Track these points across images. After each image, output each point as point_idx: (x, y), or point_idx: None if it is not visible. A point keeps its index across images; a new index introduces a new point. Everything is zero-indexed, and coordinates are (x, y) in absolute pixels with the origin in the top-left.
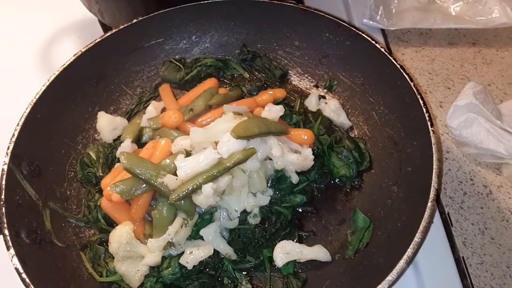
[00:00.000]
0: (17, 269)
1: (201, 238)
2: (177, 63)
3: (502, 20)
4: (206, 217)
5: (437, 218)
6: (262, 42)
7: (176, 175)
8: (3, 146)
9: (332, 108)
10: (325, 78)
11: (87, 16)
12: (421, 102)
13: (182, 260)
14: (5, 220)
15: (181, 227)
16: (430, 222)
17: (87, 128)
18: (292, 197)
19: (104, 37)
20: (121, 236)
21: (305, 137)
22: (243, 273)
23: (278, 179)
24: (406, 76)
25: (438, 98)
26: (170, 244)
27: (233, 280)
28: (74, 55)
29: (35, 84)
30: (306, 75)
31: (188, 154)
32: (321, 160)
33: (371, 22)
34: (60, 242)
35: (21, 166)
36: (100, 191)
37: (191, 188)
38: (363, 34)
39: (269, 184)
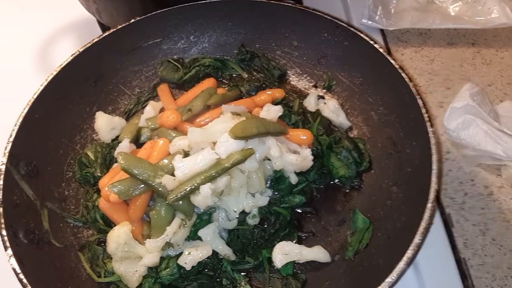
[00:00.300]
0: (14, 270)
1: (200, 238)
2: (175, 63)
3: (501, 20)
4: (205, 217)
5: (437, 219)
6: (260, 42)
7: (174, 176)
8: (0, 146)
9: (331, 108)
10: (324, 78)
11: (85, 16)
12: (420, 102)
13: (181, 261)
14: (2, 220)
15: (180, 227)
16: (430, 223)
17: (85, 128)
18: (291, 197)
19: (101, 37)
20: (119, 237)
21: (304, 138)
22: (242, 274)
23: (277, 180)
24: (405, 76)
25: (438, 98)
26: (168, 245)
27: (232, 281)
28: (72, 55)
29: (33, 84)
30: (304, 75)
31: (186, 154)
32: (320, 160)
33: (370, 22)
34: (58, 242)
35: (19, 166)
36: (98, 192)
37: (189, 188)
38: (361, 34)
39: (268, 185)
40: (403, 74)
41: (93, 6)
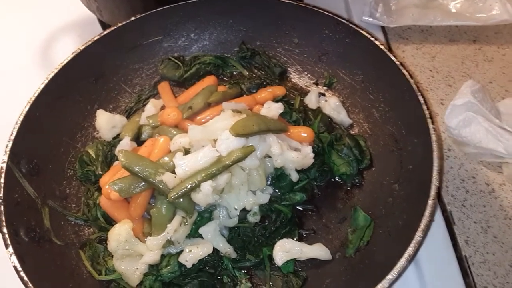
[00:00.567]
0: (15, 267)
1: (201, 236)
2: (176, 61)
3: (502, 17)
4: (206, 215)
5: (439, 216)
6: (261, 40)
7: (175, 173)
8: (1, 144)
9: (332, 106)
10: (325, 76)
11: (86, 14)
12: (421, 99)
13: (181, 259)
14: (3, 218)
15: (180, 225)
16: (431, 220)
17: (86, 126)
18: (292, 195)
19: (102, 35)
20: (120, 235)
21: (305, 135)
22: (243, 271)
23: (278, 177)
24: (406, 73)
25: (439, 95)
26: (169, 242)
27: (233, 278)
28: (73, 53)
29: (34, 82)
30: (305, 73)
31: (186, 152)
32: (321, 158)
33: (370, 20)
34: (59, 240)
35: (20, 165)
36: (99, 190)
37: (189, 186)
38: (362, 31)
39: (268, 182)
40: (404, 71)
41: (93, 4)
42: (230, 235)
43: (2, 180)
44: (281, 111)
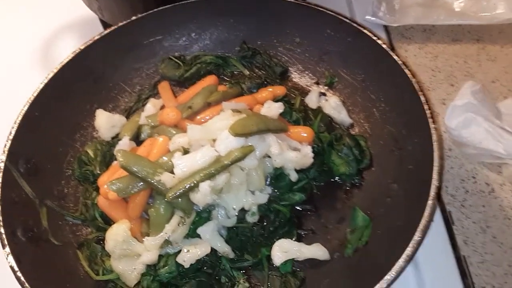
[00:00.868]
0: (12, 268)
1: (199, 236)
2: (177, 60)
3: (506, 16)
4: (204, 215)
5: (438, 216)
6: (262, 39)
7: (174, 173)
8: (0, 143)
9: (333, 105)
10: (326, 75)
11: (87, 14)
12: (422, 98)
13: (179, 259)
14: (0, 218)
15: (178, 225)
16: (430, 220)
17: (85, 126)
18: (291, 195)
19: (102, 34)
20: (117, 234)
21: (305, 135)
22: (241, 271)
23: (277, 177)
24: (408, 73)
25: (441, 95)
26: (167, 242)
27: (231, 278)
28: (73, 52)
29: (35, 82)
30: (306, 72)
31: (185, 152)
32: (321, 158)
33: (373, 19)
34: (57, 240)
35: (18, 164)
36: (98, 189)
37: (188, 186)
38: (364, 30)
39: (267, 182)
40: (405, 70)
41: (95, 4)
42: (229, 235)
43: (0, 180)
44: (281, 110)
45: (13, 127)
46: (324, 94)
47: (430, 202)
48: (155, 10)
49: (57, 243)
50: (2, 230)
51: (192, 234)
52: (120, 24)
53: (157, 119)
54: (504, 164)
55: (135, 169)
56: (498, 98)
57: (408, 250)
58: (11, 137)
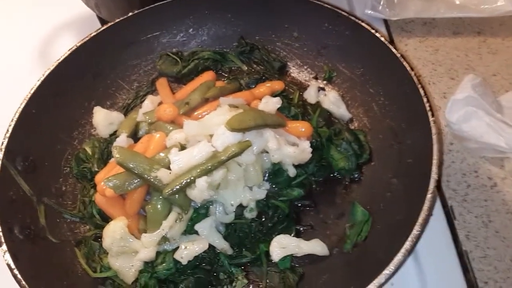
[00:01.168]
0: (9, 265)
1: (196, 233)
2: (174, 56)
3: (507, 8)
4: (202, 211)
5: (440, 211)
6: (260, 34)
7: (170, 169)
8: None
9: (332, 100)
10: (324, 70)
11: (85, 11)
12: (421, 92)
13: (177, 255)
14: None
15: (176, 221)
16: (429, 214)
17: (83, 123)
18: (290, 190)
19: (99, 31)
20: (114, 231)
21: (303, 130)
22: (239, 268)
23: (275, 173)
24: (407, 66)
25: (442, 89)
26: (164, 239)
27: (229, 275)
28: (69, 49)
29: (32, 79)
30: (305, 67)
31: (182, 148)
32: (320, 152)
33: (373, 13)
34: (55, 238)
35: (15, 162)
36: (95, 187)
37: (184, 182)
38: (362, 24)
39: (265, 178)
40: (404, 63)
41: (92, 0)
42: (227, 232)
43: None
44: (279, 105)
45: (10, 125)
46: (323, 89)
47: (429, 195)
48: (152, 6)
49: (54, 241)
50: None
51: (189, 230)
52: (117, 20)
53: (154, 115)
54: (506, 158)
55: (131, 165)
56: (499, 92)
57: (407, 245)
58: (8, 135)
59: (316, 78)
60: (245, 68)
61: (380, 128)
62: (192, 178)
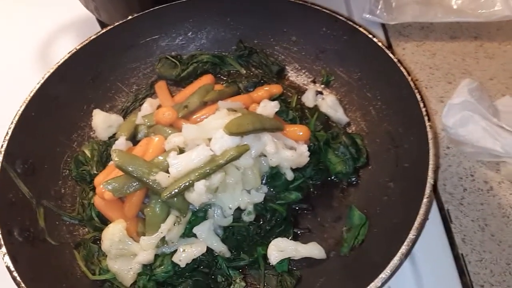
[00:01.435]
0: (8, 267)
1: (195, 235)
2: (173, 59)
3: (504, 13)
4: (200, 214)
5: (436, 214)
6: (258, 38)
7: (169, 173)
8: None
9: (329, 104)
10: (322, 74)
11: (84, 14)
12: (418, 97)
13: (175, 258)
14: None
15: (174, 224)
16: (425, 218)
17: (82, 126)
18: (287, 194)
19: (99, 34)
20: (113, 234)
21: (301, 133)
22: (237, 271)
23: (273, 176)
24: (403, 70)
25: (439, 93)
26: (163, 242)
27: (227, 278)
28: (69, 52)
29: (32, 82)
30: (303, 71)
31: (181, 151)
32: (317, 156)
33: (371, 17)
34: (54, 240)
35: (15, 164)
36: (94, 189)
37: (183, 185)
38: (360, 28)
39: (263, 181)
40: (401, 68)
41: (91, 4)
42: (225, 235)
43: None
44: (277, 109)
45: (10, 127)
46: (320, 93)
47: (425, 200)
48: (152, 9)
49: (54, 243)
50: None
51: (188, 233)
52: (117, 23)
53: (153, 118)
54: (502, 162)
55: (130, 168)
56: (496, 96)
57: (403, 249)
58: (7, 138)
59: (314, 82)
60: (243, 71)
61: (377, 132)
62: (190, 181)
